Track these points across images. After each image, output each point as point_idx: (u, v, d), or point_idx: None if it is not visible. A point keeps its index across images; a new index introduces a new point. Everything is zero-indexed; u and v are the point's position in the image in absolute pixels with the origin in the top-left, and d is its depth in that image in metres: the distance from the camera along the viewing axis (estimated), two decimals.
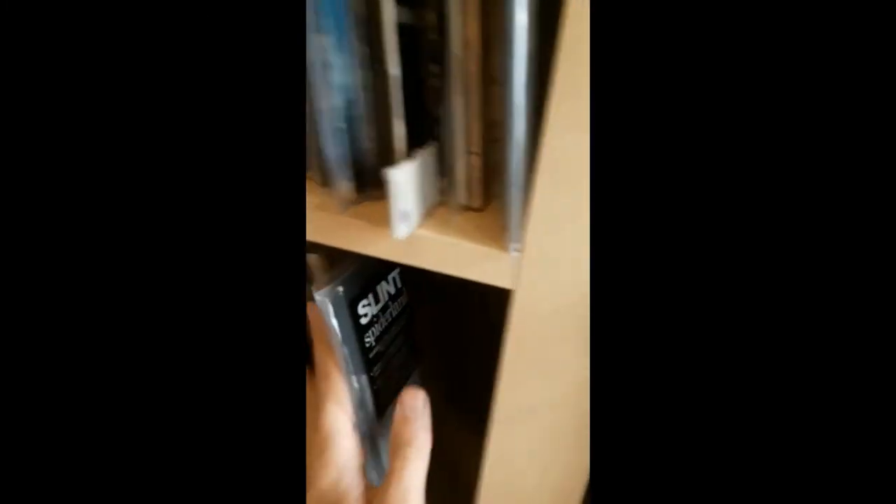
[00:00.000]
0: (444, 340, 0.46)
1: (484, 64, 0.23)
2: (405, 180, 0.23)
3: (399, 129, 0.25)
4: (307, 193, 0.27)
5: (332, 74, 0.24)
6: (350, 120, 0.25)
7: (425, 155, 0.25)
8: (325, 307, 0.27)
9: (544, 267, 0.24)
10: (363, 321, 0.30)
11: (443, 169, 0.27)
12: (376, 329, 0.32)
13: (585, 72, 0.19)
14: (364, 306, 0.30)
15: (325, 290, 0.27)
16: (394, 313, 0.34)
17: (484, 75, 0.24)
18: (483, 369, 0.29)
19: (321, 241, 0.26)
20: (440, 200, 0.28)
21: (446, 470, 0.45)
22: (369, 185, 0.27)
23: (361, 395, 0.31)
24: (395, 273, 0.34)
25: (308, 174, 0.29)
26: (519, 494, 0.30)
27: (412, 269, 0.27)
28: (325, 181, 0.27)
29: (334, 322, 0.28)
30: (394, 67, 0.24)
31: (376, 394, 0.32)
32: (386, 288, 0.33)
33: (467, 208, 0.27)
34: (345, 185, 0.26)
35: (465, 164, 0.26)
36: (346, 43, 0.24)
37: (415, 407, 0.29)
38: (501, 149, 0.24)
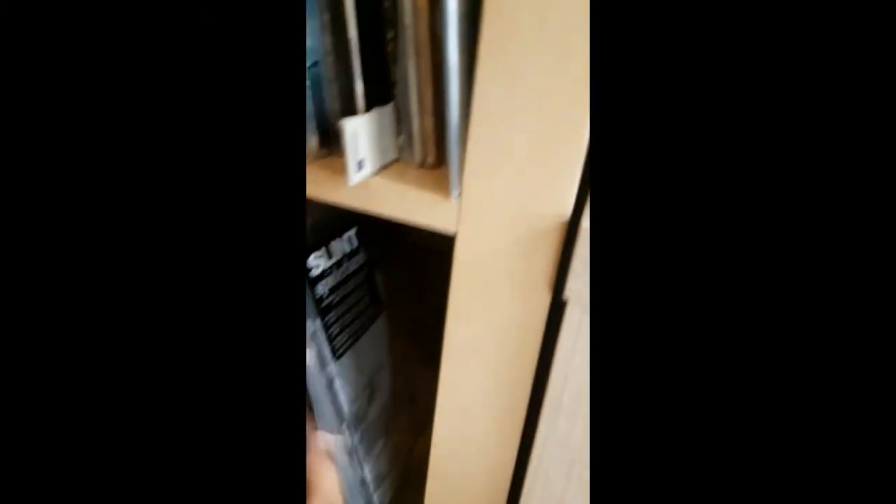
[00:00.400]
0: (408, 290, 0.49)
1: (432, 30, 0.26)
2: (357, 131, 0.26)
3: (359, 88, 0.28)
4: None
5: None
6: (316, 80, 0.28)
7: (382, 112, 0.28)
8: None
9: (481, 211, 0.27)
10: (314, 272, 0.34)
11: (400, 128, 0.30)
12: (329, 281, 0.36)
13: (509, 29, 0.22)
14: (316, 258, 0.34)
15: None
16: (350, 269, 0.38)
17: (433, 41, 0.27)
18: (440, 314, 0.32)
19: None
20: (399, 158, 0.31)
21: (410, 402, 0.48)
22: (332, 142, 0.30)
23: (317, 337, 0.34)
24: (351, 232, 0.38)
25: None
26: (469, 420, 0.33)
27: (382, 229, 0.30)
28: None
29: None
30: (353, 31, 0.27)
31: (331, 338, 0.36)
32: (340, 245, 0.37)
33: (423, 165, 0.30)
34: (311, 140, 0.29)
35: (419, 123, 0.29)
36: (313, 9, 0.27)
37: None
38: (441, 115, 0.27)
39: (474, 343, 0.30)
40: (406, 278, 0.48)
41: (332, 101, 0.29)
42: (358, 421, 0.39)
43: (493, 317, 0.29)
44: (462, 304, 0.29)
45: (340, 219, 0.38)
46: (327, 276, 0.36)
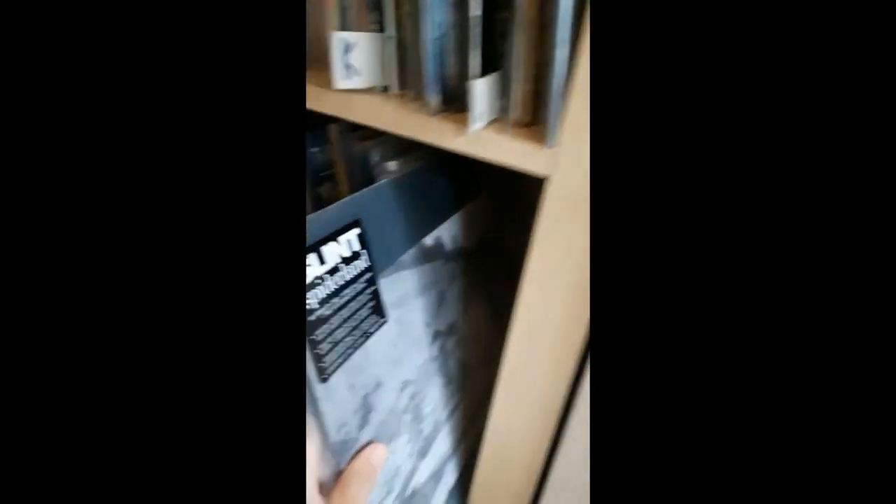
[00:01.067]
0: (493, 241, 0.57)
1: (540, 13, 0.33)
2: (482, 88, 0.33)
3: (475, 59, 0.36)
4: (404, 108, 0.38)
5: (433, 13, 0.34)
6: (440, 49, 0.36)
7: (492, 78, 0.36)
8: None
9: (571, 160, 0.34)
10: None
11: (502, 92, 0.37)
12: (320, 291, 0.31)
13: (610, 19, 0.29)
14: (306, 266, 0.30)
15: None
16: (346, 276, 0.33)
17: (540, 22, 0.34)
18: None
19: (419, 137, 0.37)
20: (499, 117, 0.38)
21: (479, 342, 0.55)
22: (448, 102, 0.38)
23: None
24: (350, 235, 0.33)
25: (402, 91, 0.40)
26: (536, 346, 0.41)
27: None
28: (419, 95, 0.38)
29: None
30: (475, 10, 0.34)
31: (317, 357, 0.31)
32: (337, 249, 0.32)
33: (517, 124, 0.38)
34: (434, 98, 0.37)
35: (520, 88, 0.36)
36: None
37: (373, 462, 0.35)
38: (545, 80, 0.34)
39: (554, 271, 0.37)
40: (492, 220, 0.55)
41: (451, 68, 0.37)
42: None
43: (573, 250, 0.36)
44: (547, 236, 0.37)
45: (332, 222, 0.33)
46: (317, 285, 0.31)
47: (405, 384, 0.42)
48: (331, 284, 0.32)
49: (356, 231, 0.34)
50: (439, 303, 0.45)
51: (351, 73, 0.38)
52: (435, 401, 0.47)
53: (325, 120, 0.45)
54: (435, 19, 0.34)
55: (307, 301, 0.30)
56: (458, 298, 0.49)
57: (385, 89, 0.40)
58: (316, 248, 0.30)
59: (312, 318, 0.30)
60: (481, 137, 0.36)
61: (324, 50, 0.42)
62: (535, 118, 0.38)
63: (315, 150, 0.46)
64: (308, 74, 0.42)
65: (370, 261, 0.35)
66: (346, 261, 0.33)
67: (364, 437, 0.36)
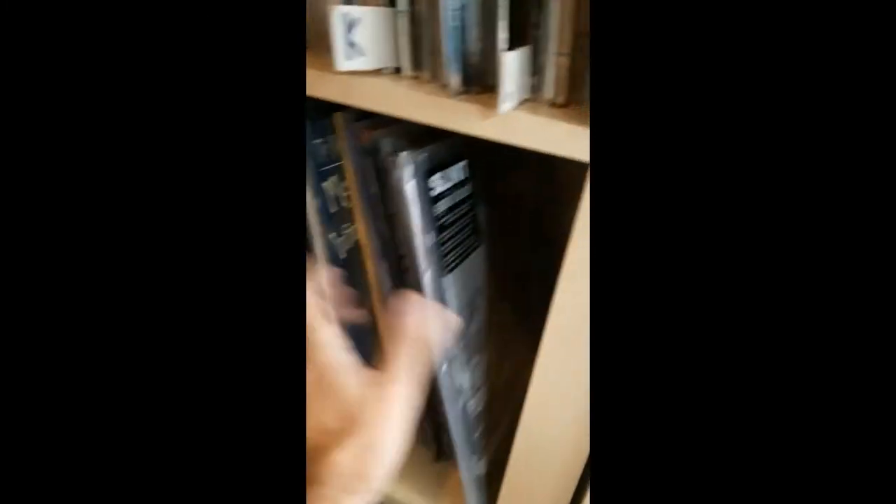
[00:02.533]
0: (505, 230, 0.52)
1: None
2: (513, 62, 0.28)
3: (502, 32, 0.31)
4: (416, 89, 0.33)
5: None
6: (462, 22, 0.31)
7: (522, 52, 0.31)
8: (406, 170, 0.34)
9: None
10: (432, 193, 0.37)
11: (534, 69, 0.32)
12: (444, 203, 0.39)
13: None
14: (436, 179, 0.38)
15: (409, 154, 0.34)
16: (459, 196, 0.42)
17: None
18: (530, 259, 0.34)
19: (436, 123, 0.32)
20: (531, 97, 0.33)
21: (498, 331, 0.51)
22: (472, 82, 0.33)
23: (433, 252, 0.38)
24: (463, 163, 0.42)
25: (418, 72, 0.34)
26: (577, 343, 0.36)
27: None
28: (435, 76, 0.33)
29: (411, 184, 0.35)
30: None
31: (443, 253, 0.39)
32: (456, 173, 0.41)
33: (553, 104, 0.33)
34: (454, 78, 0.32)
35: (555, 63, 0.31)
36: None
37: (414, 301, 0.34)
38: (584, 56, 0.29)
39: None
40: (502, 220, 0.51)
41: (475, 43, 0.32)
42: (460, 333, 0.43)
43: None
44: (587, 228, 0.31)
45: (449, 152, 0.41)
46: (445, 196, 0.39)
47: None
48: (450, 200, 0.40)
49: (465, 162, 0.42)
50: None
51: (355, 52, 0.32)
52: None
53: (330, 108, 0.40)
54: None
55: (439, 208, 0.38)
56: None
57: (397, 71, 0.35)
58: (443, 167, 0.39)
59: (440, 222, 0.38)
60: (512, 120, 0.30)
61: (325, 29, 0.37)
62: (571, 97, 0.33)
63: (318, 141, 0.41)
64: (308, 57, 0.37)
65: (472, 189, 0.43)
66: (458, 185, 0.41)
67: (471, 329, 0.45)
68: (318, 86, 0.34)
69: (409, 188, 0.35)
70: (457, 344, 0.42)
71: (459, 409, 0.44)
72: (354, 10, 0.32)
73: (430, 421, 0.54)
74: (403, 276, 0.44)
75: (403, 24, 0.33)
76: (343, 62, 0.31)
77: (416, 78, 0.35)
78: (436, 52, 0.32)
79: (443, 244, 0.39)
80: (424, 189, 0.37)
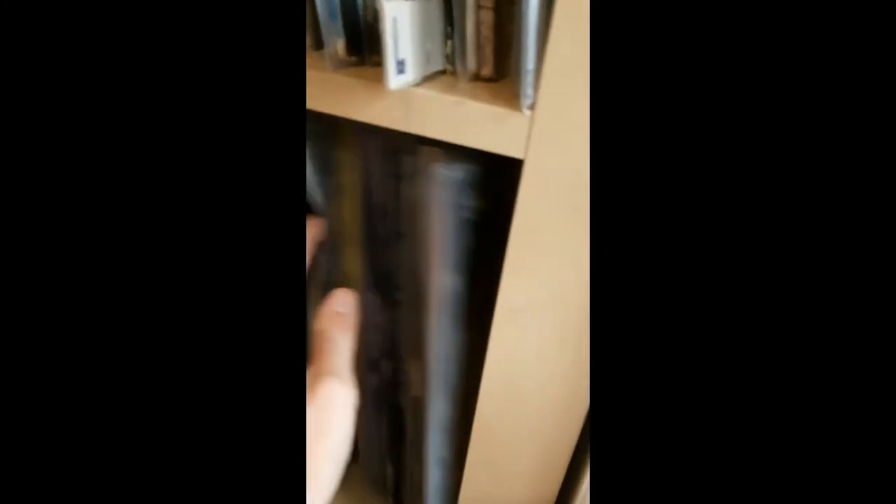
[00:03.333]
0: None
1: None
2: (401, 17, 0.19)
3: None
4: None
5: None
6: None
7: (428, 5, 0.22)
8: (439, 186, 0.25)
9: (556, 133, 0.20)
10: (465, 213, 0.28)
11: (449, 29, 0.24)
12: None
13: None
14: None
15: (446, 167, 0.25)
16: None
17: None
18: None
19: (311, 106, 0.23)
20: (445, 69, 0.24)
21: None
22: (364, 49, 0.24)
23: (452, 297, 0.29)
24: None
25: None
26: (522, 379, 0.27)
27: None
28: (317, 42, 0.24)
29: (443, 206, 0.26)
30: None
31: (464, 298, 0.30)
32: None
33: (477, 77, 0.24)
34: (336, 44, 0.23)
35: (474, 20, 0.23)
36: None
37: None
38: (515, 12, 0.20)
39: (529, 304, 0.24)
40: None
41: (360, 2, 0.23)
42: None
43: (556, 271, 0.23)
44: (525, 244, 0.23)
45: None
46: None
47: None
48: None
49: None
50: None
51: None
52: None
53: None
54: None
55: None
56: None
57: None
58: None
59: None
60: (412, 101, 0.22)
61: None
62: (500, 69, 0.24)
63: None
64: None
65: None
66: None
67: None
68: None
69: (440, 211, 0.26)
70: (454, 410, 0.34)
71: (440, 482, 0.37)
72: None
73: (394, 473, 0.47)
74: (394, 314, 0.35)
75: None
76: None
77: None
78: (313, 9, 0.23)
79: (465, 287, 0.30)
80: (456, 213, 0.28)
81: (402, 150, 0.26)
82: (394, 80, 0.20)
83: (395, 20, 0.19)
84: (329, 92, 0.23)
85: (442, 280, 0.29)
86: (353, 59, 0.24)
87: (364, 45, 0.24)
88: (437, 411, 0.36)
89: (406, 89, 0.21)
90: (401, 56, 0.20)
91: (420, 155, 0.25)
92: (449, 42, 0.24)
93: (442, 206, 0.26)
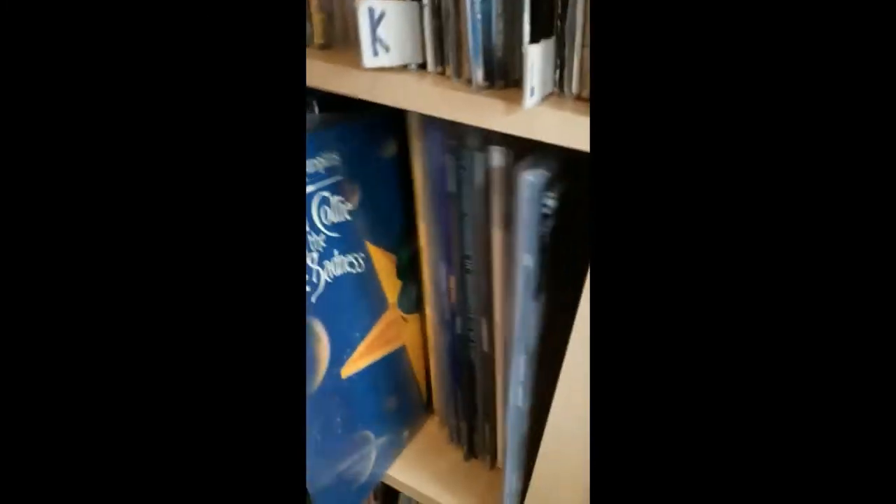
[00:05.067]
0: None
1: None
2: (538, 55, 0.28)
3: (526, 22, 0.30)
4: (441, 85, 0.33)
5: None
6: (485, 14, 0.31)
7: (547, 44, 0.30)
8: (524, 188, 0.33)
9: None
10: (545, 211, 0.35)
11: (559, 62, 0.32)
12: (549, 223, 0.37)
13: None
14: (548, 198, 0.35)
15: (532, 172, 0.33)
16: (559, 215, 0.38)
17: None
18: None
19: (460, 119, 0.32)
20: (555, 92, 0.33)
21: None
22: (495, 77, 0.32)
23: (527, 275, 0.36)
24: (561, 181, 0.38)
25: (442, 67, 0.34)
26: None
27: None
28: (459, 71, 0.33)
29: (527, 205, 0.34)
30: None
31: (538, 277, 0.38)
32: (558, 190, 0.37)
33: (579, 97, 0.32)
34: (478, 72, 0.32)
35: (580, 56, 0.31)
36: None
37: None
38: None
39: None
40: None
41: (498, 36, 0.31)
42: (534, 355, 0.42)
43: None
44: None
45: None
46: (549, 217, 0.36)
47: None
48: (554, 220, 0.36)
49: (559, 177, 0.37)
50: None
51: (381, 48, 0.33)
52: None
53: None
54: None
55: (542, 231, 0.34)
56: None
57: (421, 66, 0.35)
58: (552, 185, 0.35)
59: (542, 244, 0.36)
60: (536, 115, 0.30)
61: (350, 24, 0.37)
62: None
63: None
64: (329, 54, 0.37)
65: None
66: (560, 202, 0.37)
67: (542, 350, 0.42)
68: (344, 82, 0.34)
69: (524, 209, 0.34)
70: (529, 367, 0.41)
71: (517, 431, 0.44)
72: (380, 4, 0.32)
73: (465, 421, 0.54)
74: (464, 279, 0.43)
75: (428, 18, 0.33)
76: (370, 59, 0.31)
77: (440, 73, 0.34)
78: (459, 46, 0.32)
79: (540, 267, 0.37)
80: (538, 209, 0.35)
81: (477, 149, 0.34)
82: (528, 101, 0.29)
83: (533, 61, 0.28)
84: (473, 107, 0.31)
85: (520, 258, 0.37)
86: (486, 83, 0.33)
87: (495, 74, 0.32)
88: (513, 367, 0.43)
89: (533, 108, 0.30)
90: (533, 84, 0.29)
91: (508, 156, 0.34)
92: (558, 70, 0.32)
93: (525, 202, 0.34)
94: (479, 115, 0.31)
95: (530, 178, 0.34)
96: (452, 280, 0.45)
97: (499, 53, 0.32)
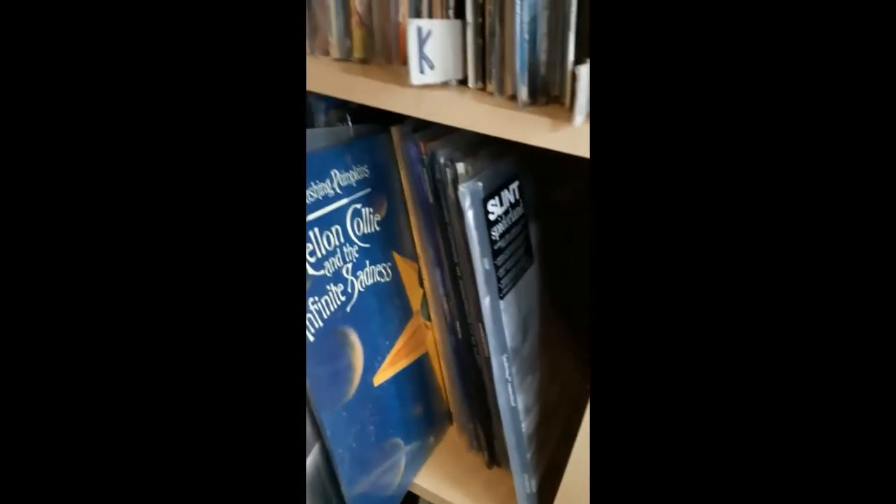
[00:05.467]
0: (554, 248, 0.52)
1: None
2: (587, 75, 0.29)
3: (570, 44, 0.31)
4: (483, 102, 0.34)
5: None
6: (532, 34, 0.32)
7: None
8: (464, 199, 0.35)
9: None
10: (490, 217, 0.38)
11: None
12: (499, 227, 0.40)
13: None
14: (492, 205, 0.38)
15: (468, 184, 0.35)
16: (512, 218, 0.42)
17: None
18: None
19: (506, 136, 0.33)
20: None
21: (550, 346, 0.51)
22: (538, 94, 0.33)
23: (488, 277, 0.38)
24: (514, 185, 0.42)
25: (483, 83, 0.35)
26: None
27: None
28: (501, 87, 0.34)
29: (471, 213, 0.35)
30: None
31: (498, 279, 0.40)
32: (507, 196, 0.41)
33: None
34: (523, 90, 0.33)
35: None
36: None
37: None
38: None
39: None
40: (553, 237, 0.52)
41: (543, 55, 0.32)
42: (515, 353, 0.43)
43: None
44: None
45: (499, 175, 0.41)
46: (499, 222, 0.40)
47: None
48: (505, 223, 0.40)
49: (517, 183, 0.43)
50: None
51: (427, 65, 0.33)
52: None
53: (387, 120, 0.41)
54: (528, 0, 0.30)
55: (493, 233, 0.38)
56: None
57: (461, 82, 0.36)
58: (498, 192, 0.39)
59: (495, 247, 0.39)
60: (582, 133, 0.31)
61: (388, 39, 0.38)
62: None
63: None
64: (369, 69, 0.38)
65: (524, 209, 0.44)
66: (512, 206, 0.42)
67: (524, 350, 0.45)
68: (388, 99, 0.35)
69: (469, 217, 0.36)
70: (508, 370, 0.42)
71: (513, 430, 0.45)
72: (427, 23, 0.32)
73: (483, 430, 0.55)
74: (456, 285, 0.44)
75: (471, 36, 0.34)
76: (417, 76, 0.32)
77: (481, 90, 0.35)
78: (503, 64, 0.33)
79: (498, 268, 0.40)
80: (483, 216, 0.37)
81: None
82: (578, 119, 0.30)
83: (583, 80, 0.29)
84: (519, 124, 0.32)
85: (478, 262, 0.38)
86: (529, 101, 0.33)
87: (538, 91, 0.33)
88: (494, 366, 0.44)
89: (581, 126, 0.31)
90: (582, 102, 0.30)
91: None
92: None
93: (467, 211, 0.36)
94: (526, 132, 0.32)
95: (463, 190, 0.36)
96: (447, 286, 0.47)
97: (542, 71, 0.33)
